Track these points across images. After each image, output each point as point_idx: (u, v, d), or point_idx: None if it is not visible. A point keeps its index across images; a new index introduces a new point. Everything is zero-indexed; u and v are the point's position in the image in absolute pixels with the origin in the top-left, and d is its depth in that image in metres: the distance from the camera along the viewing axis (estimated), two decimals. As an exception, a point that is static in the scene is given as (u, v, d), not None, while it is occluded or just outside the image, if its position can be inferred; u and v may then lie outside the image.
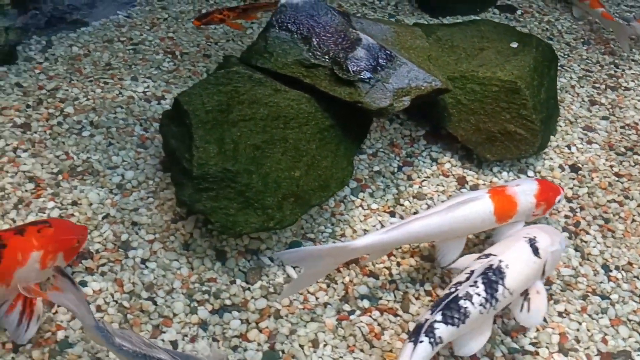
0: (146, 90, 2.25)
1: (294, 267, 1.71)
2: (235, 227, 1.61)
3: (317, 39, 1.90)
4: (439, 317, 1.35)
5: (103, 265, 1.67)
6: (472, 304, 1.38)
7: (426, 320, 1.35)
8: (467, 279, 1.42)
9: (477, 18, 2.89)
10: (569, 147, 2.24)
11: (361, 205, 1.92)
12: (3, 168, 1.88)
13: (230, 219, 1.61)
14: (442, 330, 1.34)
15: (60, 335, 1.49)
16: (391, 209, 1.93)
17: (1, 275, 1.39)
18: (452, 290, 1.41)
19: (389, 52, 1.88)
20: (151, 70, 2.35)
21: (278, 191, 1.66)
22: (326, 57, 1.86)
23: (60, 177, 1.89)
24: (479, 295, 1.39)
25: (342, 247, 1.52)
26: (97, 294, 1.60)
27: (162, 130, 1.81)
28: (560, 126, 2.32)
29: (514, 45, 2.23)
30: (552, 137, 2.23)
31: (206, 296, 1.62)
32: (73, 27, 2.50)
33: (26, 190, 1.83)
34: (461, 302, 1.37)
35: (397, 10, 2.93)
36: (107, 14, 2.60)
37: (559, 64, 2.45)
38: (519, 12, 3.06)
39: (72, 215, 1.77)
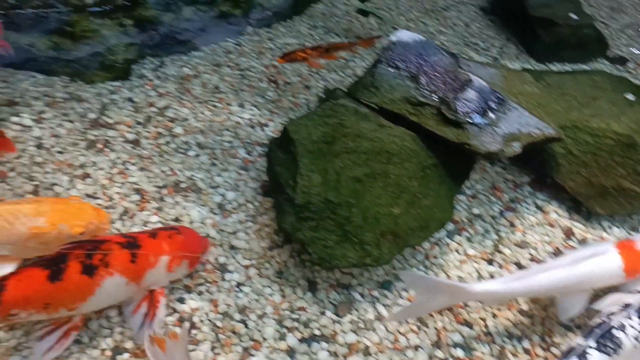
0: (252, 117, 2.32)
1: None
2: (332, 260, 1.60)
3: (426, 78, 1.89)
4: (592, 343, 1.35)
5: (201, 284, 1.69)
6: (626, 335, 1.37)
7: (578, 345, 1.36)
8: (620, 311, 1.42)
9: (585, 67, 2.80)
10: (686, 208, 2.09)
11: (457, 250, 1.86)
12: (112, 178, 1.97)
13: (328, 252, 1.60)
14: (596, 358, 1.33)
15: (155, 348, 1.52)
16: (490, 256, 1.85)
17: (135, 274, 1.46)
18: (605, 320, 1.40)
19: (499, 96, 1.84)
20: (256, 98, 2.42)
21: (377, 227, 1.64)
22: (434, 96, 1.84)
23: (164, 191, 1.96)
24: (633, 327, 1.38)
25: (460, 287, 1.49)
26: (194, 312, 1.62)
27: (269, 156, 1.85)
28: (677, 185, 2.17)
29: (630, 97, 2.13)
30: (667, 196, 2.09)
31: (296, 324, 1.61)
32: (185, 49, 2.62)
33: (132, 202, 1.91)
34: (614, 332, 1.37)
35: (502, 53, 2.88)
36: (217, 40, 2.72)
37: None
38: (630, 64, 2.92)
39: (174, 230, 1.83)
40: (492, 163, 2.18)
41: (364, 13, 2.86)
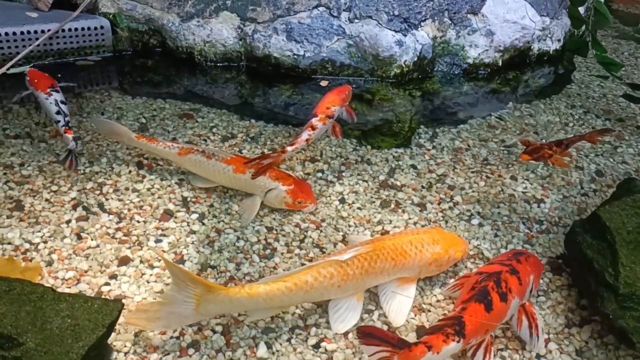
0: (525, 191, 2.44)
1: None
2: (656, 352, 1.64)
3: None
4: None
5: (502, 349, 1.81)
6: None
7: None
8: None
9: None
10: None
11: None
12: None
13: (653, 343, 1.64)
14: None
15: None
16: None
17: (522, 294, 1.73)
18: None
19: None
20: (527, 173, 2.55)
21: (703, 327, 1.65)
22: None
23: (456, 256, 2.13)
24: None
25: None
26: (502, 375, 1.75)
27: (572, 237, 1.94)
28: None
29: None
30: None
31: (609, 409, 1.66)
32: (453, 121, 2.85)
33: (426, 262, 2.10)
34: None
35: None
36: (482, 113, 2.91)
37: None
38: None
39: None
40: None
41: (633, 99, 2.88)
